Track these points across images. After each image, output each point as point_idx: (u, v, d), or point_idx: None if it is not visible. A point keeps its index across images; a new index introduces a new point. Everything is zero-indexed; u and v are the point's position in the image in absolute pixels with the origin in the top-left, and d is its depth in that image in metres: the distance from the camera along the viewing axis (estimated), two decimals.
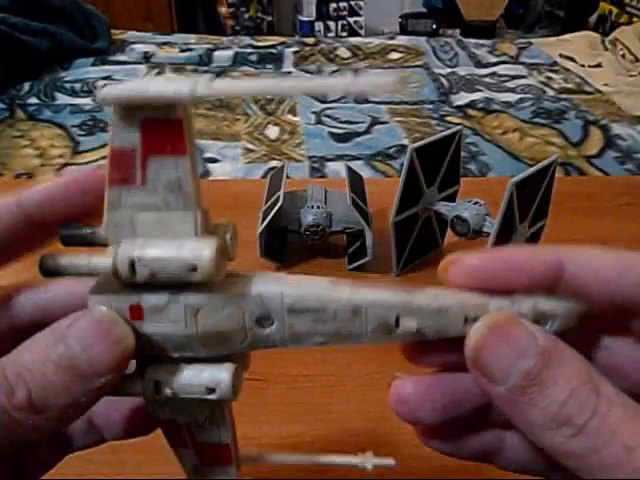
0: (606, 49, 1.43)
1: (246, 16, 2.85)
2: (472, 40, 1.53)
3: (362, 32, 2.86)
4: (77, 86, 1.15)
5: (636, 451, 0.15)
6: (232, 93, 0.16)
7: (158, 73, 1.23)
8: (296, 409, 0.39)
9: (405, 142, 0.98)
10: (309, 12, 2.84)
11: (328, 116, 1.08)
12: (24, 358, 0.17)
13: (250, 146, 0.96)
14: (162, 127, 0.16)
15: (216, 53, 1.36)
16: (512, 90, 1.22)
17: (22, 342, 0.18)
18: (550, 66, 1.35)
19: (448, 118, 1.08)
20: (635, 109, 1.12)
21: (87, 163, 0.90)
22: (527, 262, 0.18)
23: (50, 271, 0.18)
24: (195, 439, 0.21)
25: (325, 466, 0.23)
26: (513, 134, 1.03)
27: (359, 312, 0.18)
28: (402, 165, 0.47)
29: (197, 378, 0.19)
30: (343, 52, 1.42)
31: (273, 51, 1.41)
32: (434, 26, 2.77)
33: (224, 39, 1.49)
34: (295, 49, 1.42)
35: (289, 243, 0.55)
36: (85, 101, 1.10)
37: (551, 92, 1.21)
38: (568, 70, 1.32)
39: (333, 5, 2.84)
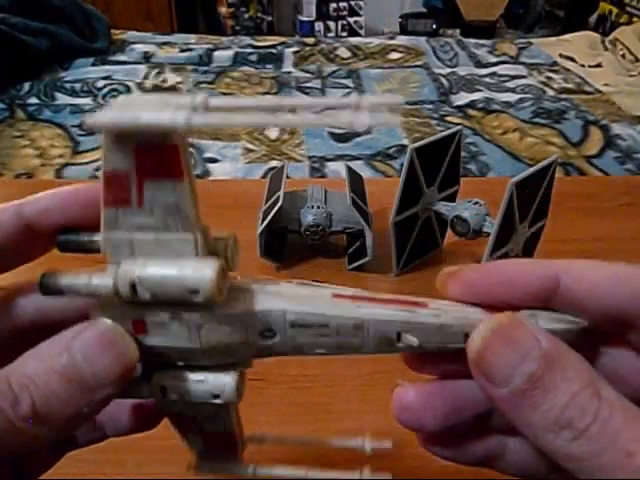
0: (606, 49, 1.43)
1: (246, 16, 2.85)
2: (472, 40, 1.53)
3: (362, 32, 2.86)
4: (77, 86, 1.15)
5: (636, 456, 0.15)
6: (230, 124, 0.15)
7: (158, 73, 1.23)
8: (296, 409, 0.39)
9: (405, 142, 0.98)
10: (309, 12, 2.84)
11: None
12: (28, 368, 0.17)
13: (250, 146, 0.96)
14: (157, 152, 0.16)
15: (216, 53, 1.36)
16: (512, 90, 1.22)
17: (24, 343, 0.18)
18: (550, 66, 1.35)
19: (448, 118, 1.08)
20: (635, 109, 1.12)
21: (87, 163, 0.90)
22: (523, 276, 0.19)
23: (50, 291, 0.18)
24: (202, 428, 0.22)
25: (325, 447, 0.23)
26: (513, 134, 1.03)
27: (361, 328, 0.19)
28: (402, 165, 0.47)
29: (202, 384, 0.19)
30: (343, 52, 1.42)
31: (273, 51, 1.41)
32: (434, 26, 2.77)
33: (224, 39, 1.49)
34: (295, 49, 1.42)
35: (289, 243, 0.55)
36: (85, 101, 1.10)
37: (551, 92, 1.21)
38: (568, 70, 1.32)
39: (333, 5, 2.84)
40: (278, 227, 0.52)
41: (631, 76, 1.30)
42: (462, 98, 1.17)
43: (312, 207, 0.52)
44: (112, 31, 1.42)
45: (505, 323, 0.18)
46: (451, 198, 0.53)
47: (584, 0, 2.59)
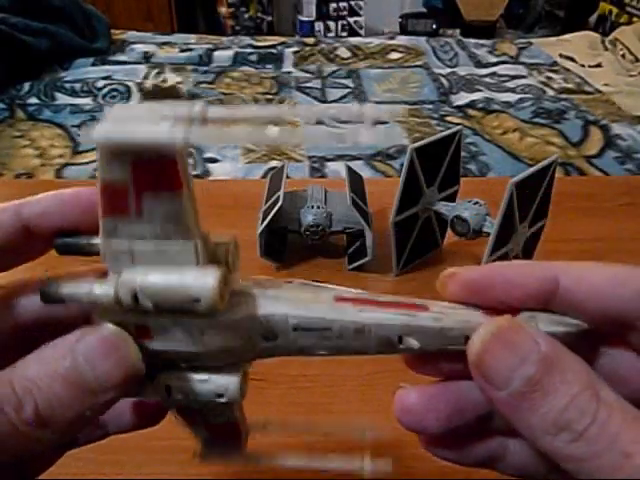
0: (606, 49, 1.43)
1: (246, 16, 2.85)
2: (472, 40, 1.53)
3: (362, 32, 2.86)
4: (77, 86, 1.15)
5: (634, 457, 0.16)
6: (229, 140, 0.14)
7: (158, 73, 1.23)
8: (296, 409, 0.39)
9: (405, 142, 0.98)
10: (309, 12, 2.84)
11: None
12: (31, 371, 0.17)
13: (250, 146, 0.96)
14: (155, 165, 0.15)
15: (216, 53, 1.36)
16: (512, 90, 1.22)
17: (26, 341, 0.18)
18: (550, 66, 1.35)
19: (448, 118, 1.08)
20: (635, 109, 1.12)
21: (87, 163, 0.90)
22: (522, 278, 0.19)
23: (51, 299, 0.18)
24: (207, 420, 0.22)
25: (324, 435, 0.23)
26: (513, 134, 1.03)
27: (362, 331, 0.19)
28: (402, 165, 0.47)
29: (206, 384, 0.19)
30: (343, 52, 1.42)
31: (273, 51, 1.41)
32: (434, 26, 2.77)
33: (224, 39, 1.49)
34: (295, 49, 1.42)
35: (289, 243, 0.55)
36: (85, 101, 1.10)
37: (551, 92, 1.21)
38: (568, 70, 1.32)
39: (333, 5, 2.84)
40: (278, 227, 0.52)
41: (631, 76, 1.30)
42: (462, 98, 1.18)
43: (312, 207, 0.52)
44: (112, 31, 1.42)
45: (505, 326, 0.18)
46: (451, 198, 0.53)
47: (584, 0, 2.59)
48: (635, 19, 2.14)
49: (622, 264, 0.19)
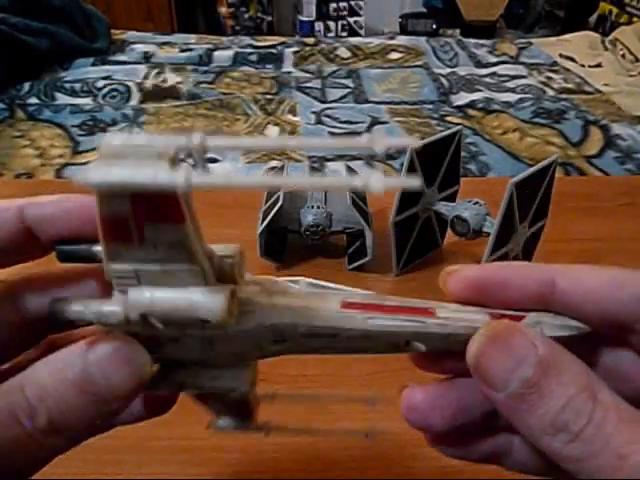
0: (606, 49, 1.43)
1: (246, 16, 2.85)
2: (472, 40, 1.53)
3: (362, 32, 2.86)
4: (77, 86, 1.15)
5: (628, 459, 0.16)
6: (233, 185, 0.14)
7: (158, 73, 1.23)
8: (296, 408, 0.39)
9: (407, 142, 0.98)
10: (309, 12, 2.84)
11: (328, 116, 1.09)
12: (44, 379, 0.17)
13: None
14: (155, 200, 0.15)
15: (216, 53, 1.36)
16: (512, 90, 1.22)
17: (32, 336, 0.18)
18: (550, 66, 1.35)
19: (448, 118, 1.08)
20: (635, 109, 1.12)
21: (87, 163, 0.90)
22: (519, 279, 0.19)
23: (59, 321, 0.18)
24: (219, 398, 0.22)
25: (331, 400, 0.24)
26: (513, 134, 1.03)
27: (369, 337, 0.19)
28: (402, 165, 0.47)
29: (218, 381, 0.20)
30: (343, 52, 1.42)
31: (273, 51, 1.41)
32: (434, 26, 2.77)
33: (224, 39, 1.49)
34: (295, 49, 1.42)
35: (289, 243, 0.55)
36: (85, 101, 1.10)
37: (551, 92, 1.21)
38: (568, 70, 1.32)
39: (333, 5, 2.84)
40: (278, 227, 0.52)
41: (631, 76, 1.30)
42: (462, 98, 1.18)
43: (312, 207, 0.52)
44: (112, 31, 1.42)
45: (501, 330, 0.18)
46: (451, 198, 0.53)
47: (584, 0, 2.59)
48: (635, 19, 2.14)
49: (620, 267, 0.19)
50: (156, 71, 1.24)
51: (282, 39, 1.50)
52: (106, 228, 0.16)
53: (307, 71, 1.31)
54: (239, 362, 0.20)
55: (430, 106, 1.14)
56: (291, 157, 0.93)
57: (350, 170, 0.59)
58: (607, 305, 0.18)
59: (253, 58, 1.36)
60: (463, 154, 0.53)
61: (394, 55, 1.41)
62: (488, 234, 0.46)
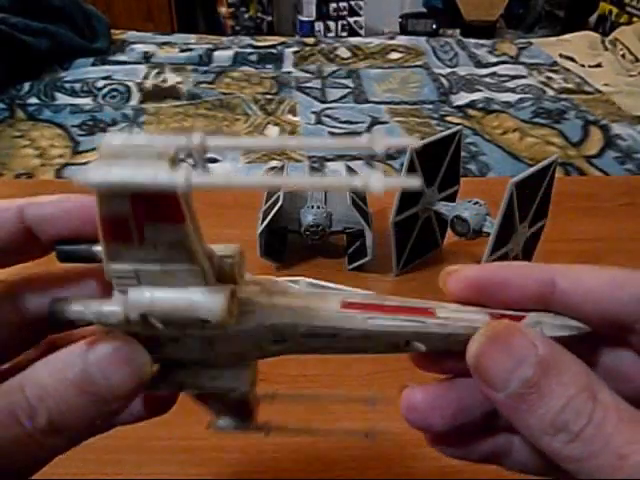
0: (606, 49, 1.43)
1: (246, 16, 2.85)
2: (472, 40, 1.53)
3: (362, 32, 2.86)
4: (77, 86, 1.15)
5: (628, 459, 0.16)
6: (233, 185, 0.14)
7: (158, 73, 1.23)
8: (295, 408, 0.39)
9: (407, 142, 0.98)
10: (309, 12, 2.84)
11: (328, 116, 1.09)
12: (44, 379, 0.17)
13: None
14: (155, 201, 0.15)
15: (216, 53, 1.36)
16: (512, 90, 1.22)
17: (32, 336, 0.18)
18: (550, 66, 1.35)
19: (448, 118, 1.08)
20: (635, 109, 1.12)
21: (87, 163, 0.90)
22: (519, 279, 0.19)
23: (59, 321, 0.18)
24: (219, 398, 0.23)
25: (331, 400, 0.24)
26: (513, 134, 1.03)
27: (369, 337, 0.19)
28: (402, 165, 0.47)
29: (218, 381, 0.20)
30: (343, 52, 1.42)
31: (273, 51, 1.41)
32: (434, 26, 2.77)
33: (224, 39, 1.49)
34: (295, 49, 1.42)
35: (289, 243, 0.55)
36: (85, 101, 1.10)
37: (551, 92, 1.21)
38: (568, 70, 1.32)
39: (333, 5, 2.84)
40: (278, 227, 0.52)
41: (631, 76, 1.30)
42: (462, 98, 1.18)
43: (312, 207, 0.52)
44: (112, 31, 1.42)
45: (501, 330, 0.18)
46: (451, 198, 0.53)
47: (584, 0, 2.59)
48: (635, 19, 2.14)
49: (619, 267, 0.19)
50: (156, 71, 1.24)
51: (282, 39, 1.50)
52: (106, 228, 0.16)
53: (307, 71, 1.31)
54: (239, 362, 0.20)
55: (430, 106, 1.14)
56: (291, 157, 0.93)
57: (350, 170, 0.59)
58: (607, 305, 0.18)
59: (253, 58, 1.36)
60: (463, 154, 0.53)
61: (394, 55, 1.41)
62: (488, 234, 0.46)
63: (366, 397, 0.24)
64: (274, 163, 0.89)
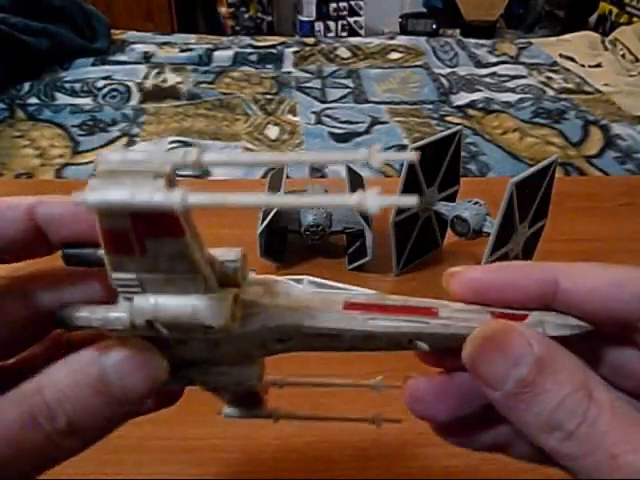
0: (606, 49, 1.43)
1: (246, 16, 2.85)
2: (472, 40, 1.53)
3: (362, 32, 2.86)
4: (77, 86, 1.15)
5: (619, 458, 0.16)
6: (230, 204, 0.13)
7: (158, 73, 1.23)
8: (295, 409, 0.39)
9: (405, 142, 0.98)
10: (309, 12, 2.84)
11: (328, 116, 1.09)
12: (61, 381, 0.17)
13: (250, 146, 0.96)
14: (154, 217, 0.15)
15: (216, 53, 1.36)
16: (512, 90, 1.22)
17: (39, 331, 0.19)
18: (550, 66, 1.35)
19: (448, 118, 1.08)
20: (635, 109, 1.12)
21: (87, 163, 0.90)
22: (522, 279, 0.19)
23: (67, 325, 0.18)
24: (229, 390, 0.23)
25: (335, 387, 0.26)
26: (513, 134, 1.03)
27: (372, 337, 0.19)
28: (402, 165, 0.47)
29: (227, 376, 0.20)
30: (343, 52, 1.42)
31: (273, 51, 1.41)
32: (434, 26, 2.77)
33: (224, 39, 1.49)
34: (295, 49, 1.42)
35: (289, 243, 0.55)
36: (85, 101, 1.10)
37: (551, 92, 1.21)
38: (568, 70, 1.32)
39: (333, 5, 2.84)
40: (278, 227, 0.52)
41: (631, 76, 1.30)
42: (462, 98, 1.18)
43: (312, 207, 0.52)
44: (112, 31, 1.42)
45: (497, 329, 0.18)
46: (451, 198, 0.53)
47: (584, 0, 2.59)
48: (635, 19, 2.14)
49: (622, 265, 0.19)
50: (156, 71, 1.24)
51: (282, 39, 1.50)
52: (108, 241, 0.16)
53: (307, 71, 1.31)
54: (245, 360, 0.20)
55: (430, 106, 1.14)
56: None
57: (350, 171, 0.59)
58: (610, 303, 0.18)
59: (253, 58, 1.36)
60: (463, 154, 0.53)
61: (394, 55, 1.41)
62: (488, 234, 0.46)
63: (372, 384, 0.25)
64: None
